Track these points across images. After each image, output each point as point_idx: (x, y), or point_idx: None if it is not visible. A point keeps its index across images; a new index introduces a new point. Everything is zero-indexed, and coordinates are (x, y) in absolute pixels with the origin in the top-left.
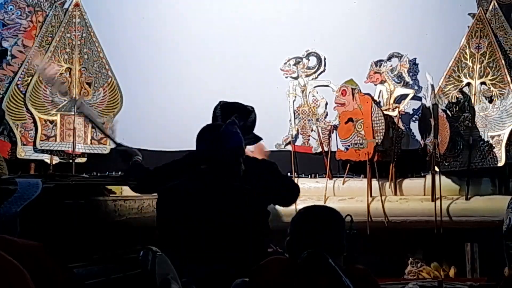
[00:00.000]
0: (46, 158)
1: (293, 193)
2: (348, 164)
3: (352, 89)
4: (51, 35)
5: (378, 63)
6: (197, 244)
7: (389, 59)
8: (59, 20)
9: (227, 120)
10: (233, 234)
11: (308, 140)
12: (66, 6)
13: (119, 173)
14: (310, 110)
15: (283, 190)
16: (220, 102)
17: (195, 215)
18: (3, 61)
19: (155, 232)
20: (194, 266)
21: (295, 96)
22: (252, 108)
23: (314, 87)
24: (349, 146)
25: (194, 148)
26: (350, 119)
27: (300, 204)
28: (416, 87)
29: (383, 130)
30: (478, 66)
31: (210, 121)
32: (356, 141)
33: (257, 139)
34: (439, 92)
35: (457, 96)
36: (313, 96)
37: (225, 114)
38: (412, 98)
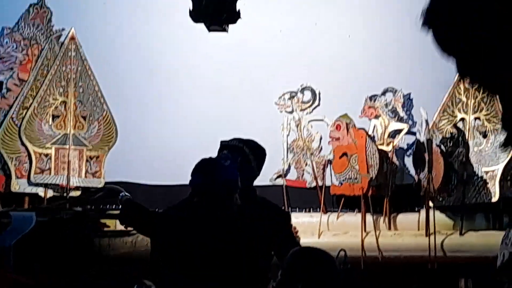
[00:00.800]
0: (40, 191)
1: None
2: (343, 199)
3: (347, 123)
4: (46, 69)
5: (373, 97)
6: (191, 266)
7: (383, 93)
8: (55, 54)
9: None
10: (227, 260)
11: (303, 174)
12: (62, 39)
13: (114, 206)
14: (304, 144)
15: (282, 246)
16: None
17: (188, 241)
18: None
19: (149, 266)
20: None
21: (289, 131)
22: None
23: (309, 121)
24: (343, 180)
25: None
26: (345, 154)
27: None
28: (410, 122)
29: (378, 165)
30: (472, 101)
31: (205, 154)
32: (350, 176)
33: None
34: (433, 127)
35: (451, 131)
36: (308, 130)
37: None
38: (407, 133)
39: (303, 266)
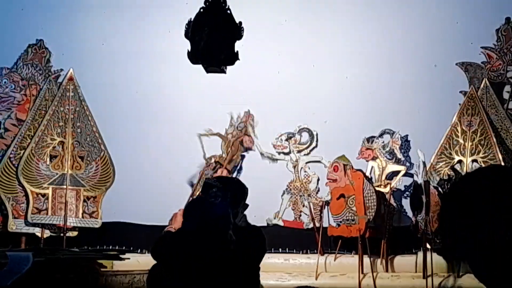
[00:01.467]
0: (37, 231)
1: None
2: (340, 240)
3: (344, 165)
4: (44, 109)
5: (370, 139)
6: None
7: (381, 135)
8: (53, 94)
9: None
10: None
11: (300, 215)
12: (60, 80)
13: (110, 247)
14: (302, 185)
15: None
16: (206, 179)
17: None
18: None
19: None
20: None
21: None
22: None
23: (306, 162)
24: (340, 222)
25: None
26: (342, 195)
27: (292, 280)
28: (407, 164)
29: (375, 207)
30: (470, 143)
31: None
32: (347, 217)
33: (246, 206)
34: (431, 169)
35: (449, 173)
36: (305, 171)
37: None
38: (404, 175)
39: None
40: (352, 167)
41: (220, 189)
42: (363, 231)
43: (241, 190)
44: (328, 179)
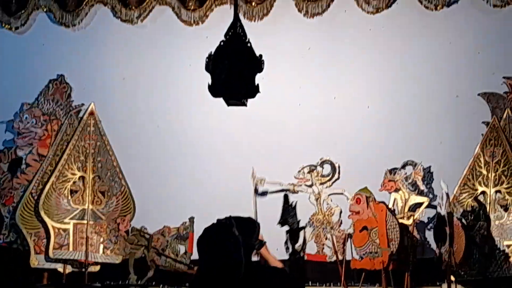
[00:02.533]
0: (59, 267)
1: None
2: (363, 273)
3: (367, 197)
4: (65, 144)
5: (393, 171)
6: None
7: (403, 167)
8: (74, 129)
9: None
10: None
11: (323, 248)
12: (81, 114)
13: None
14: (324, 218)
15: None
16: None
17: None
18: (18, 170)
19: None
20: None
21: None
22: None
23: (329, 195)
24: (364, 254)
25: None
26: (365, 228)
27: None
28: (430, 195)
29: (398, 239)
30: (493, 174)
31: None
32: (371, 250)
33: (261, 244)
34: (454, 200)
35: (472, 204)
36: (328, 204)
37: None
38: (427, 207)
39: None
40: (374, 199)
41: (231, 227)
42: (387, 264)
43: (252, 228)
44: (350, 211)
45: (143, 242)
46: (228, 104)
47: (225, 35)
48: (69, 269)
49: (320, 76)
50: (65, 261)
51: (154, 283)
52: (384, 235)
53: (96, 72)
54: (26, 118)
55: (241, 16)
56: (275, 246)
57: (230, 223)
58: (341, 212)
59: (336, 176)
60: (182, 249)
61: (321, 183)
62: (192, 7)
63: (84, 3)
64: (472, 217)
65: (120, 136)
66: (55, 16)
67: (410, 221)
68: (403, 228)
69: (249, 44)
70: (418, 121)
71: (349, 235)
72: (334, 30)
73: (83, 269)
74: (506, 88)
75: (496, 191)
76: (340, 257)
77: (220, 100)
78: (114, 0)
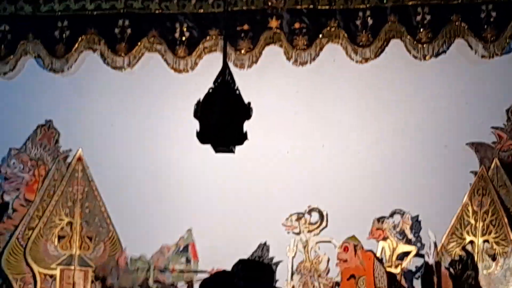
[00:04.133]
0: None
1: None
2: None
3: (355, 245)
4: (53, 189)
5: (381, 219)
6: None
7: (391, 215)
8: (62, 174)
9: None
10: None
11: None
12: (69, 160)
13: None
14: (312, 266)
15: None
16: (238, 260)
17: None
18: (4, 214)
19: None
20: None
21: (295, 252)
22: (269, 266)
23: (316, 243)
24: None
25: None
26: (352, 276)
27: None
28: (418, 244)
29: (386, 287)
30: (481, 224)
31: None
32: None
33: None
34: (442, 249)
35: (460, 254)
36: (315, 252)
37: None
38: (415, 256)
39: None
40: (362, 247)
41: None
42: None
43: (263, 274)
44: (338, 259)
45: (145, 266)
46: (216, 151)
47: (214, 82)
48: None
49: (309, 124)
50: None
51: None
52: (371, 283)
53: (85, 118)
54: (13, 163)
55: (230, 64)
56: None
57: (231, 274)
58: (328, 260)
59: (324, 224)
60: (185, 260)
61: (309, 231)
62: (182, 55)
63: (74, 49)
64: (460, 267)
65: (108, 182)
66: (44, 62)
67: (398, 270)
68: (390, 276)
69: (237, 92)
70: (407, 170)
71: (337, 284)
72: (323, 78)
73: None
74: (494, 138)
75: (484, 241)
76: None
77: (208, 147)
78: (103, 47)
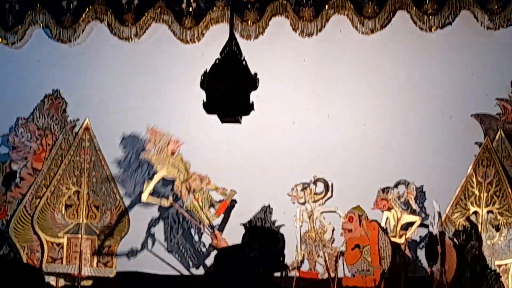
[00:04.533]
0: (52, 280)
1: None
2: None
3: (359, 215)
4: (60, 158)
5: (385, 190)
6: None
7: (396, 186)
8: (69, 144)
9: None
10: None
11: (315, 266)
12: (76, 129)
13: None
14: (317, 235)
15: None
16: (251, 227)
17: None
18: (12, 183)
19: None
20: None
21: (302, 222)
22: (282, 235)
23: (321, 213)
24: (355, 272)
25: (199, 272)
26: (357, 246)
27: None
28: (423, 215)
29: (390, 257)
30: (485, 194)
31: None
32: (362, 268)
33: (282, 267)
34: (446, 220)
35: (464, 224)
36: (320, 222)
37: (253, 240)
38: (419, 226)
39: None
40: (367, 217)
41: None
42: (378, 282)
43: (275, 243)
44: (343, 229)
45: (182, 170)
46: (222, 121)
47: (221, 53)
48: (62, 283)
49: (315, 95)
50: (58, 275)
51: None
52: (376, 253)
53: (92, 88)
54: (21, 132)
55: (236, 35)
56: None
57: (250, 247)
58: (333, 230)
59: (329, 194)
60: (211, 210)
61: (314, 201)
62: (189, 25)
63: (81, 19)
64: (464, 237)
65: (115, 151)
66: (51, 32)
67: (402, 240)
68: (395, 246)
69: (244, 62)
70: (412, 141)
71: (341, 253)
72: (329, 49)
73: (76, 283)
74: (499, 109)
75: (488, 211)
76: (332, 275)
77: (215, 117)
78: (110, 17)
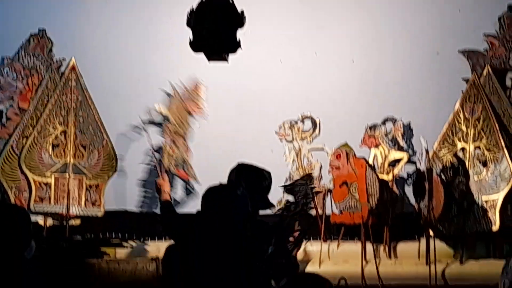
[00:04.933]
0: (40, 220)
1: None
2: (343, 227)
3: (347, 152)
4: (47, 98)
5: (373, 127)
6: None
7: (383, 123)
8: (55, 83)
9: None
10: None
11: None
12: (62, 69)
13: (113, 235)
14: (304, 173)
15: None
16: (237, 164)
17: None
18: None
19: None
20: None
21: (292, 159)
22: (268, 173)
23: (309, 150)
24: (343, 209)
25: (184, 211)
26: (345, 183)
27: None
28: (410, 151)
29: (378, 194)
30: (472, 130)
31: (206, 184)
32: (350, 205)
33: (268, 205)
34: (434, 156)
35: (452, 160)
36: (308, 159)
37: (240, 177)
38: (407, 162)
39: None
40: (354, 154)
41: (235, 189)
42: (366, 218)
43: (262, 180)
44: (330, 166)
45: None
46: (209, 59)
47: None
48: (50, 222)
49: (302, 32)
50: (46, 214)
51: None
52: (363, 190)
53: (78, 27)
54: (6, 72)
55: None
56: None
57: (236, 183)
58: (321, 167)
59: (316, 131)
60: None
61: (302, 139)
62: None
63: None
64: (451, 173)
65: (102, 91)
66: None
67: (390, 177)
68: (382, 183)
69: (231, 1)
70: (398, 77)
71: (329, 190)
72: None
73: (64, 223)
74: (487, 45)
75: (475, 147)
76: (320, 212)
77: (201, 55)
78: None
